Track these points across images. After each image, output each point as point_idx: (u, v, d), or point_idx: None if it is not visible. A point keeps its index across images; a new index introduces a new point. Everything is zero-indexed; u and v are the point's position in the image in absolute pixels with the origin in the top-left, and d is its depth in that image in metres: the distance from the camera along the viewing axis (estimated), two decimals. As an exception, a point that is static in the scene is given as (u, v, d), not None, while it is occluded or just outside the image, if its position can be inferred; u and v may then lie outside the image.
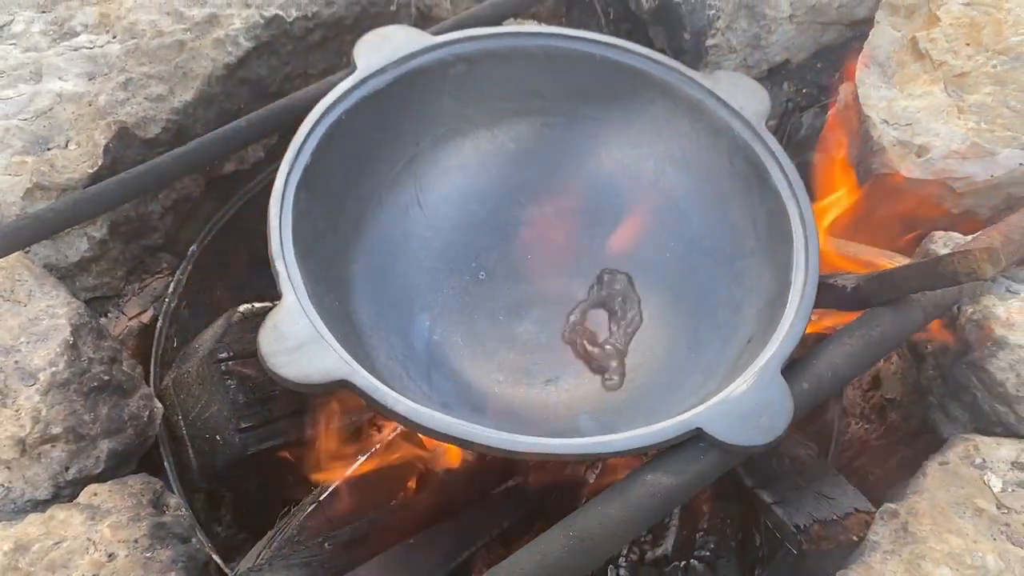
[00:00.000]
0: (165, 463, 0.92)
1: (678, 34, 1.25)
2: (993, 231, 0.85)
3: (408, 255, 0.98)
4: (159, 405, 0.92)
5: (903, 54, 1.06)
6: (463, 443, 0.71)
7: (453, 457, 0.93)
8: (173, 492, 0.88)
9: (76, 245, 1.00)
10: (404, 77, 0.93)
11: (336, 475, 0.92)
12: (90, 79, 1.04)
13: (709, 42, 1.23)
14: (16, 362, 0.83)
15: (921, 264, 0.81)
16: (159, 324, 1.03)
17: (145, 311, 1.05)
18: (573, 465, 0.96)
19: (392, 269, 0.96)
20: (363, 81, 0.90)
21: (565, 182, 1.04)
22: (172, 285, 1.06)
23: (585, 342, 0.97)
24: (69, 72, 1.04)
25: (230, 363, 0.91)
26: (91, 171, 0.98)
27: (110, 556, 0.75)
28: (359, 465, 0.93)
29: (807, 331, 0.79)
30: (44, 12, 1.10)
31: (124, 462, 0.86)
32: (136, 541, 0.76)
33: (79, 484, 0.82)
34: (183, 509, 0.83)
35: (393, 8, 1.22)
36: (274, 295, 0.74)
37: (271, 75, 1.15)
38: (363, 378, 0.70)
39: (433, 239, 1.01)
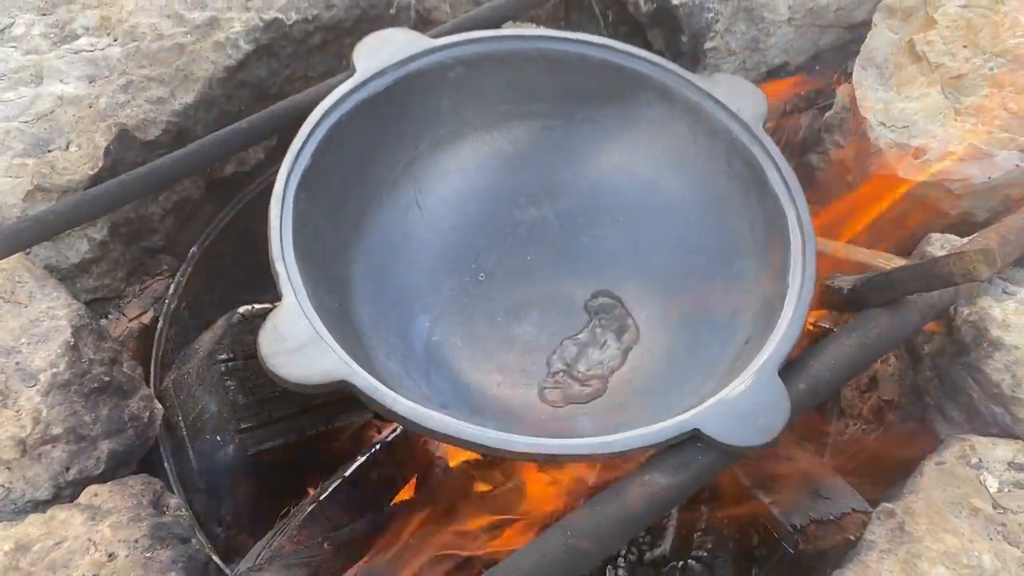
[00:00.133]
0: (165, 464, 0.92)
1: (676, 37, 1.26)
2: (990, 232, 0.85)
3: (408, 256, 0.99)
4: (159, 406, 0.92)
5: (900, 56, 1.07)
6: (462, 443, 0.71)
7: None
8: (173, 493, 0.88)
9: (77, 247, 1.00)
10: (403, 80, 0.93)
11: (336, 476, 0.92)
12: (91, 82, 1.04)
13: (707, 45, 1.24)
14: (17, 363, 0.83)
15: (917, 265, 0.81)
16: (159, 325, 1.04)
17: (145, 312, 1.06)
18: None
19: (392, 270, 0.96)
20: (363, 84, 0.90)
21: (564, 184, 1.04)
22: (172, 287, 1.07)
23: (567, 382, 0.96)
24: (70, 75, 1.04)
25: (230, 364, 0.92)
26: (92, 173, 0.99)
27: (110, 556, 0.75)
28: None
29: (804, 332, 0.80)
30: (45, 15, 1.10)
31: (124, 463, 0.87)
32: (136, 541, 0.77)
33: (79, 484, 0.82)
34: (183, 509, 0.84)
35: (392, 11, 1.23)
36: (274, 297, 0.75)
37: (271, 78, 1.15)
38: (362, 378, 0.71)
39: (433, 240, 1.01)
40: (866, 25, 1.13)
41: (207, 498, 0.91)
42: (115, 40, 1.08)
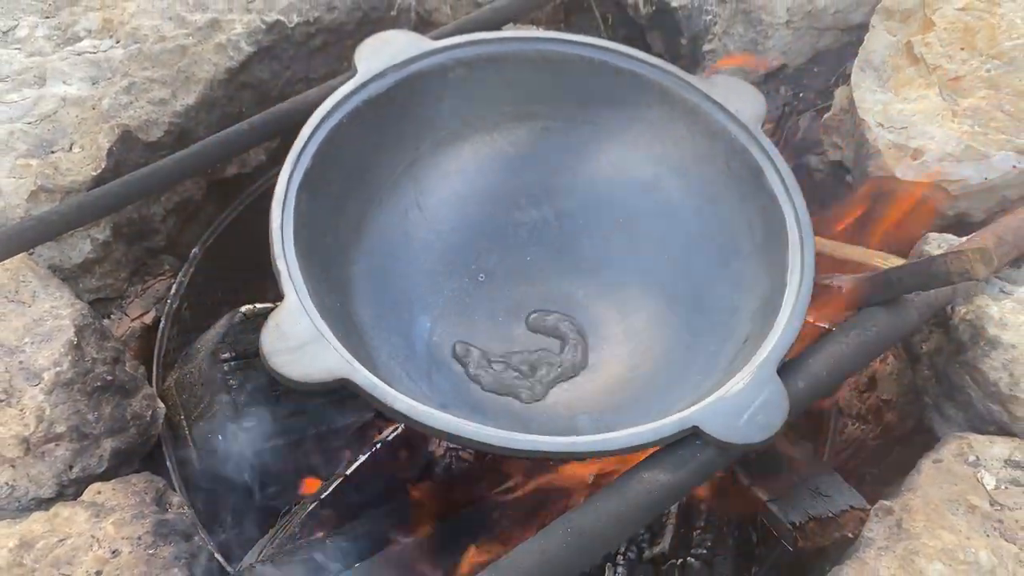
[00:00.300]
0: (167, 462, 0.92)
1: (675, 39, 1.26)
2: (986, 232, 0.86)
3: (408, 257, 0.99)
4: (161, 405, 0.93)
5: (898, 58, 1.07)
6: (463, 441, 0.72)
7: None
8: (175, 491, 0.89)
9: (79, 247, 1.01)
10: (404, 81, 0.94)
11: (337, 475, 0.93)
12: (93, 83, 1.05)
13: (706, 47, 1.24)
14: (21, 362, 0.84)
15: (915, 265, 0.82)
16: (161, 325, 1.04)
17: (147, 312, 1.06)
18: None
19: (393, 271, 0.97)
20: (364, 85, 0.91)
21: (564, 185, 1.05)
22: (174, 287, 1.07)
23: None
24: (73, 76, 1.05)
25: (232, 363, 0.92)
26: (94, 174, 1.00)
27: (114, 552, 0.76)
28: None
29: (802, 331, 0.80)
30: (48, 17, 1.11)
31: (127, 461, 0.87)
32: (139, 538, 0.77)
33: (83, 482, 0.83)
34: (185, 507, 0.84)
35: (393, 13, 1.23)
36: (275, 297, 0.75)
37: (273, 79, 1.16)
38: (364, 377, 0.71)
39: (433, 241, 1.01)
40: (864, 27, 1.14)
41: (209, 496, 0.92)
42: (117, 42, 1.08)
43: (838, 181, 1.12)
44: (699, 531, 0.87)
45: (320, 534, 0.87)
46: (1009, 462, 0.78)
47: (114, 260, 1.05)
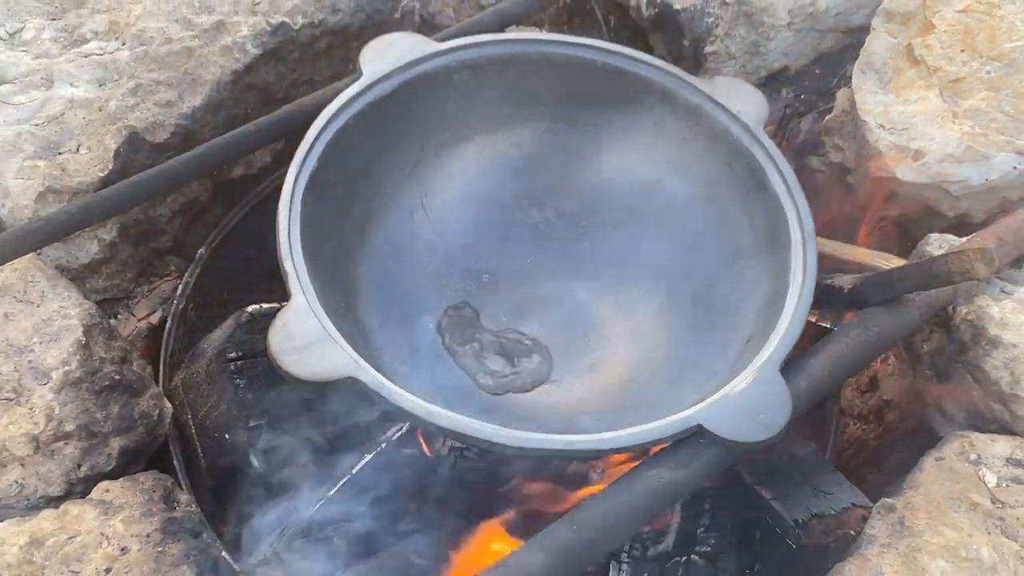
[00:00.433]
0: (175, 461, 0.93)
1: (678, 41, 1.27)
2: (987, 233, 0.87)
3: (413, 258, 1.00)
4: (168, 404, 0.93)
5: (899, 60, 1.08)
6: (468, 439, 0.72)
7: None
8: (183, 489, 0.89)
9: (87, 247, 1.02)
10: (409, 83, 0.94)
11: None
12: (100, 85, 1.05)
13: (708, 49, 1.25)
14: (30, 361, 0.84)
15: (916, 265, 0.82)
16: (168, 325, 1.05)
17: (154, 313, 1.07)
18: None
19: (397, 271, 0.97)
20: (369, 87, 0.92)
21: (567, 186, 1.05)
22: (180, 287, 1.08)
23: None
24: (80, 78, 1.06)
25: (239, 362, 0.93)
26: (101, 175, 1.00)
27: (123, 550, 0.76)
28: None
29: (805, 331, 0.81)
30: (55, 19, 1.11)
31: (135, 459, 0.88)
32: (148, 536, 0.78)
33: (91, 481, 0.83)
34: (193, 505, 0.85)
35: (397, 16, 1.24)
36: (280, 298, 0.76)
37: (278, 81, 1.17)
38: (370, 375, 0.72)
39: (437, 243, 1.02)
40: (865, 30, 1.14)
41: (216, 495, 0.92)
42: (124, 44, 1.09)
43: (839, 182, 1.12)
44: (703, 529, 0.88)
45: (327, 533, 0.87)
46: (1010, 460, 0.79)
47: (121, 261, 1.06)
